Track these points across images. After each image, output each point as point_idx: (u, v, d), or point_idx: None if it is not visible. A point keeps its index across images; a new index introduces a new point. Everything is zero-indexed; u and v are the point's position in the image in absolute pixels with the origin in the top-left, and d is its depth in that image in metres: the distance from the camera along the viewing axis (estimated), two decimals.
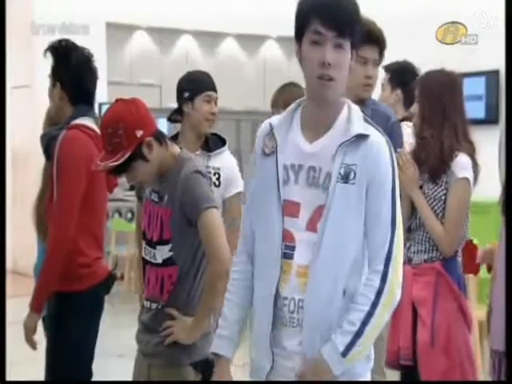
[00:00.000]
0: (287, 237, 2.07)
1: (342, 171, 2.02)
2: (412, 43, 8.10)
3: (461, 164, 3.14)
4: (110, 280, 3.15)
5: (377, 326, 2.02)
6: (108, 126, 2.57)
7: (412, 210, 3.18)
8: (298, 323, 2.06)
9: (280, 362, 2.09)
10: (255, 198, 2.16)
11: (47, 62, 3.28)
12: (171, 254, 2.62)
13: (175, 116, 3.58)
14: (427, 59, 7.84)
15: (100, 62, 3.36)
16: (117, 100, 2.64)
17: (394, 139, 2.86)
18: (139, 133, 2.55)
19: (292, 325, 2.07)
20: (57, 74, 3.21)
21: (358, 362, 2.06)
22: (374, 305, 2.00)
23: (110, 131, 2.55)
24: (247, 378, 5.05)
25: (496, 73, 7.64)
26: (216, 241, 2.57)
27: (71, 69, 3.17)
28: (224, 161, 3.57)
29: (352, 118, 2.07)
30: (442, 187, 3.14)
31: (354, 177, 2.02)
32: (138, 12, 9.50)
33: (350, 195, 2.02)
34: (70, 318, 3.03)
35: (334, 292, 2.02)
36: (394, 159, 2.08)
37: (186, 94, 3.48)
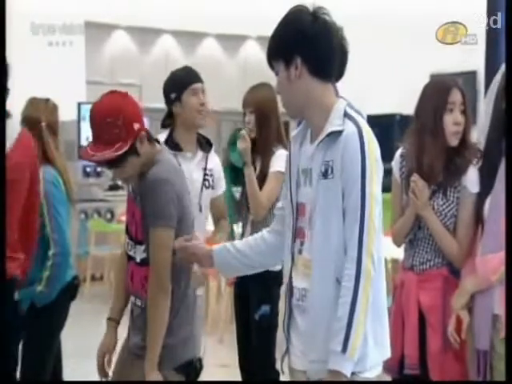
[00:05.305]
0: (300, 234, 2.26)
1: (323, 168, 2.17)
2: (412, 43, 8.12)
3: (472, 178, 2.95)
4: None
5: (363, 307, 2.09)
6: (106, 116, 2.47)
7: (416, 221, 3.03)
8: (303, 310, 2.23)
9: (293, 342, 2.27)
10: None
11: None
12: (145, 255, 2.57)
13: (168, 121, 3.48)
14: (427, 59, 7.85)
15: (79, 62, 3.32)
16: (109, 92, 2.56)
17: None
18: (136, 126, 2.50)
19: (301, 313, 2.24)
20: None
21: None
22: (356, 291, 2.09)
23: (110, 121, 2.45)
24: (229, 378, 5.05)
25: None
26: (160, 262, 2.52)
27: None
28: (214, 161, 3.57)
29: (331, 119, 2.19)
30: (454, 203, 2.97)
31: (332, 172, 2.15)
32: (118, 11, 9.46)
33: (330, 190, 2.15)
34: None
35: (328, 281, 2.16)
36: (367, 149, 2.13)
37: (173, 95, 3.40)
